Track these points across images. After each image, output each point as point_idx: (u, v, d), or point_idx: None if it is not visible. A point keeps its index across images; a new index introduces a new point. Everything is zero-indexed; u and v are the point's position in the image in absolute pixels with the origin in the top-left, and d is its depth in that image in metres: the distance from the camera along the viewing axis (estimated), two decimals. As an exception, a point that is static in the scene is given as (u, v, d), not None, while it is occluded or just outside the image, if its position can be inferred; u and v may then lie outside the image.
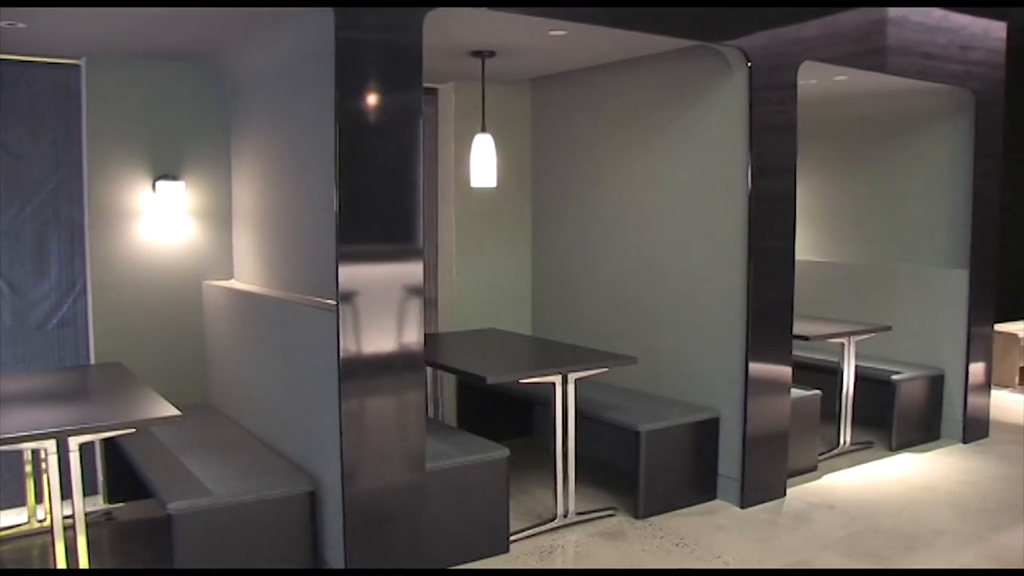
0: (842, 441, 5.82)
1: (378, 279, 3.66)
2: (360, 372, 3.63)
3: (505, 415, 5.95)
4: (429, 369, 5.10)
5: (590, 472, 5.15)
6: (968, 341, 6.08)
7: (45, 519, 4.43)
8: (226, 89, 5.11)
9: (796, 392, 5.18)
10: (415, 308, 3.73)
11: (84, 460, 3.31)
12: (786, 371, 4.98)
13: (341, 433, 3.60)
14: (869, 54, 5.33)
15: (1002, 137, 6.18)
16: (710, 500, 4.93)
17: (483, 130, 5.27)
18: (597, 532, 4.50)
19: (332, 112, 3.54)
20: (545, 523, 4.50)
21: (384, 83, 3.63)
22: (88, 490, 4.40)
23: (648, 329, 5.37)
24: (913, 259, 6.42)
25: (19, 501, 4.56)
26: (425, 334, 3.82)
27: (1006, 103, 6.20)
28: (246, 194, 4.99)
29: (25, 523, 4.46)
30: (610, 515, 4.69)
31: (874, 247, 6.75)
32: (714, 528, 4.56)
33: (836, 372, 5.83)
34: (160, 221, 5.01)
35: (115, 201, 4.89)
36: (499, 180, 5.54)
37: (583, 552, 4.28)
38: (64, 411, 3.57)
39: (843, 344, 5.74)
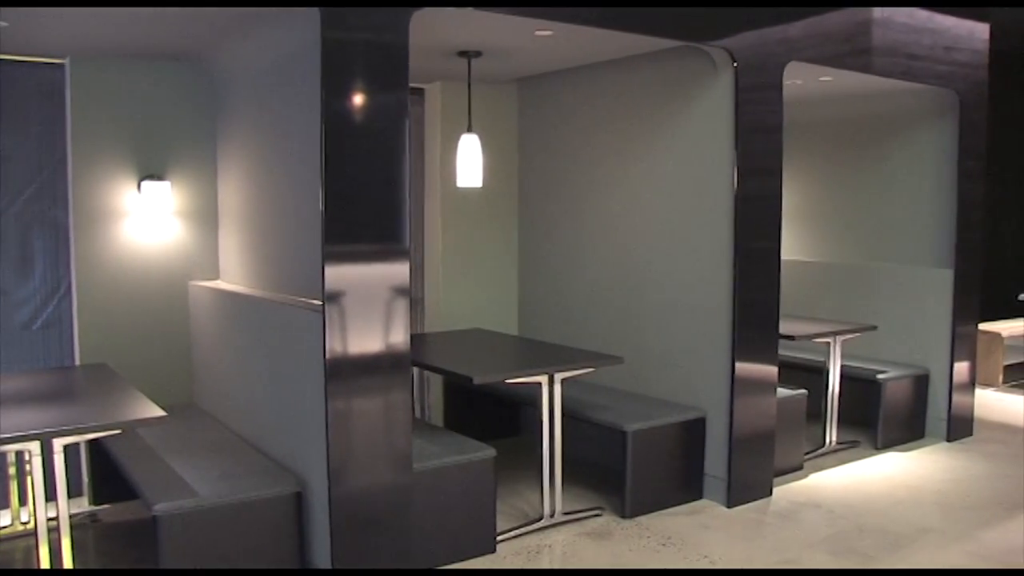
0: (828, 440, 5.84)
1: (364, 279, 3.65)
2: (346, 372, 3.62)
3: (492, 415, 5.94)
4: (415, 369, 5.10)
5: (577, 472, 5.16)
6: (953, 340, 6.11)
7: (29, 521, 4.41)
8: (212, 89, 5.09)
9: (782, 391, 5.19)
10: (401, 308, 3.73)
11: (69, 461, 3.29)
12: (772, 371, 5.00)
13: (327, 434, 3.59)
14: (854, 54, 5.35)
15: (986, 138, 6.22)
16: (697, 499, 4.94)
17: (469, 130, 5.26)
18: (584, 532, 4.50)
19: (318, 112, 3.53)
20: (532, 523, 4.50)
21: (370, 83, 3.62)
22: (73, 492, 4.37)
23: (634, 329, 5.38)
24: (898, 259, 6.46)
25: (3, 503, 4.53)
26: (411, 334, 3.81)
27: (989, 104, 6.24)
28: (232, 194, 4.97)
29: (9, 525, 4.43)
30: (597, 515, 4.70)
31: (859, 247, 6.78)
32: (701, 527, 4.57)
33: (822, 371, 5.85)
34: (145, 221, 4.99)
35: (100, 201, 4.86)
36: (485, 180, 5.54)
37: (570, 552, 4.28)
38: (49, 412, 3.54)
39: (829, 344, 5.76)
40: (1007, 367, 8.10)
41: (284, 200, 4.30)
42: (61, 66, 4.86)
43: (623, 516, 4.69)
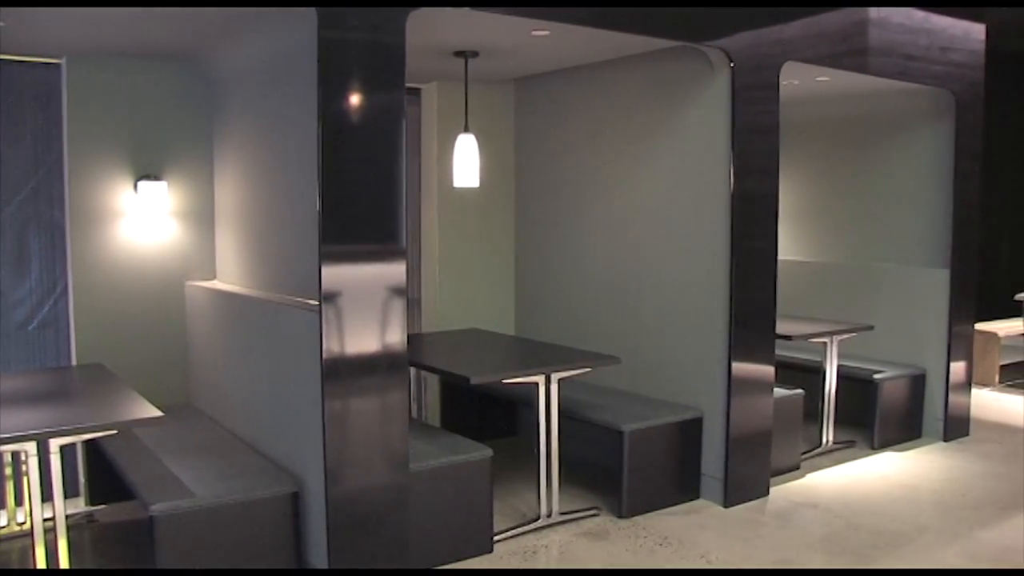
0: (824, 440, 5.84)
1: (361, 279, 3.65)
2: (343, 373, 3.62)
3: (489, 415, 5.94)
4: (412, 369, 5.09)
5: (574, 472, 5.16)
6: (949, 340, 6.12)
7: (25, 522, 4.40)
8: (208, 89, 5.08)
9: (779, 391, 5.19)
10: (398, 308, 3.73)
11: (65, 462, 3.29)
12: (769, 370, 5.00)
13: (324, 434, 3.59)
14: (851, 55, 5.35)
15: (982, 138, 6.22)
16: (693, 499, 4.94)
17: (466, 130, 5.26)
18: (581, 532, 4.50)
19: (315, 112, 3.53)
20: (529, 523, 4.50)
21: (367, 83, 3.62)
22: (69, 492, 4.39)
23: (631, 329, 5.38)
24: (895, 259, 6.46)
25: (-1, 504, 4.53)
26: (408, 334, 3.82)
27: (985, 104, 6.25)
28: (229, 194, 4.97)
29: (5, 526, 4.43)
30: (594, 515, 4.70)
31: (856, 247, 6.78)
32: (697, 527, 4.58)
33: (819, 371, 5.85)
34: (142, 222, 4.98)
35: (96, 201, 4.86)
36: (482, 180, 5.54)
37: (567, 552, 4.28)
38: (45, 413, 3.54)
39: (825, 343, 5.76)
40: (1003, 367, 8.12)
41: (281, 200, 4.30)
42: (57, 66, 4.85)
43: (620, 516, 4.69)
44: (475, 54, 5.04)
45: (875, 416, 5.97)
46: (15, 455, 4.30)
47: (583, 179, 5.73)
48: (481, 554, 4.21)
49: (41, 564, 3.27)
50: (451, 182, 5.44)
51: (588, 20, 4.29)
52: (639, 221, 5.33)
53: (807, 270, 6.86)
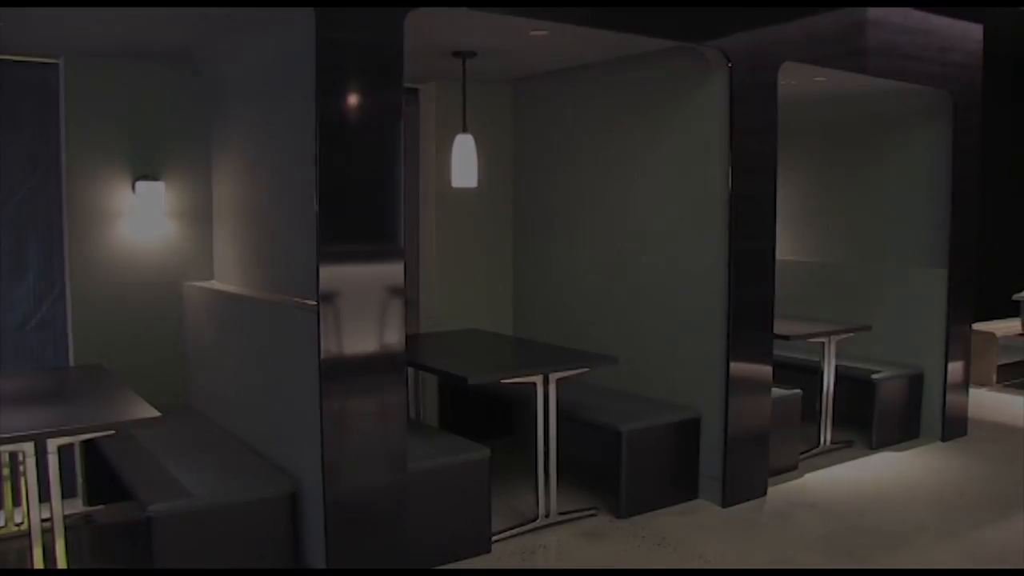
0: (822, 440, 5.84)
1: (359, 279, 3.65)
2: (341, 373, 3.62)
3: (487, 415, 5.94)
4: (410, 370, 5.09)
5: (572, 472, 5.15)
6: (947, 340, 6.12)
7: (23, 522, 4.39)
8: (207, 89, 5.08)
9: (777, 391, 5.19)
10: (396, 308, 3.72)
11: (63, 462, 3.29)
12: (767, 370, 5.00)
13: (322, 434, 3.59)
14: (849, 55, 5.36)
15: (979, 138, 6.23)
16: (692, 499, 4.94)
17: (464, 130, 5.26)
18: (579, 532, 4.50)
19: (313, 112, 3.53)
20: (527, 523, 4.50)
21: (365, 83, 3.62)
22: (67, 493, 4.38)
23: (629, 329, 5.38)
24: (893, 259, 6.47)
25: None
26: (406, 334, 3.81)
27: (983, 104, 6.25)
28: (227, 194, 4.96)
29: (3, 527, 4.42)
30: (592, 515, 4.70)
31: (854, 247, 6.79)
32: (696, 527, 4.58)
33: (816, 371, 5.86)
34: (140, 222, 4.98)
35: (94, 202, 4.85)
36: (480, 180, 5.53)
37: (565, 552, 4.28)
38: (43, 413, 3.53)
39: (823, 343, 5.77)
40: (1001, 367, 8.12)
41: (279, 200, 4.29)
42: (55, 65, 4.84)
43: (618, 516, 4.69)
44: (473, 54, 5.04)
45: (873, 416, 5.98)
46: (13, 456, 4.29)
47: (581, 179, 5.73)
48: (479, 554, 4.21)
49: (39, 565, 3.26)
50: (449, 182, 5.43)
51: (586, 20, 4.29)
52: (637, 221, 5.33)
53: (805, 270, 6.86)
